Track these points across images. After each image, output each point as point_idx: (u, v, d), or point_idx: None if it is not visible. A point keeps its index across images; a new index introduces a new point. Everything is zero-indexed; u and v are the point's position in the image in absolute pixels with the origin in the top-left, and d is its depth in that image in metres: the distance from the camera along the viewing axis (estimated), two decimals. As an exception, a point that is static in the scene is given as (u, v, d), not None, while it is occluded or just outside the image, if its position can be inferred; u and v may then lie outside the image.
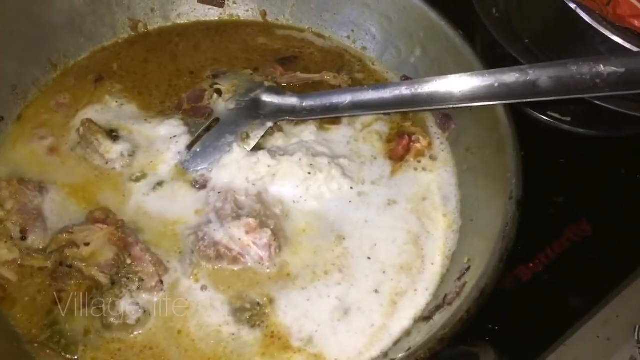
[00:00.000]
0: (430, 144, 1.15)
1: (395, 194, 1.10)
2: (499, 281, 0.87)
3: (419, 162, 1.14)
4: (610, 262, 1.20)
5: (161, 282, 0.95)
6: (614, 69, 0.98)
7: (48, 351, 0.88)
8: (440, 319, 0.88)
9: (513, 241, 0.90)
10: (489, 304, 0.86)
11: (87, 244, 0.94)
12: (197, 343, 0.93)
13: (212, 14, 1.35)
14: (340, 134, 1.16)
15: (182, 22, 1.34)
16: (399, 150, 1.14)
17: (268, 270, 1.00)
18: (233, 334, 0.94)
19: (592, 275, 1.18)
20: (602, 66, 0.98)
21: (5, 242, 0.97)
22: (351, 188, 1.09)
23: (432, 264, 1.02)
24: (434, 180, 1.12)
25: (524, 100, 1.04)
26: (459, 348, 0.83)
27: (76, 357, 0.90)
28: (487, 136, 1.07)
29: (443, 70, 1.14)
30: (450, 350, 0.80)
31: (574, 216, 1.24)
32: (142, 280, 0.94)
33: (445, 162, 1.14)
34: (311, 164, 1.07)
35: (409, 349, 0.84)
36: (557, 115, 1.36)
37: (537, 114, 1.36)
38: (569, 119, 1.36)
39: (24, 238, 0.97)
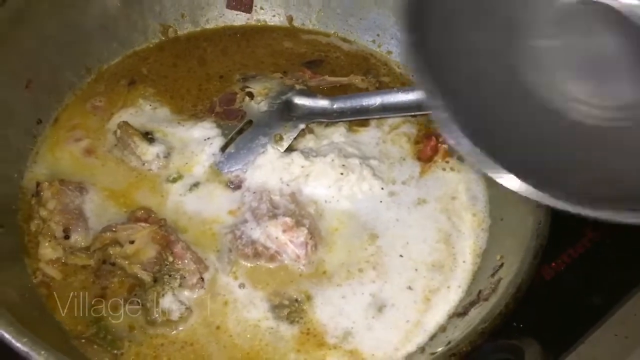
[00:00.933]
0: None
1: (424, 194, 1.12)
2: (534, 277, 0.89)
3: (447, 162, 1.16)
4: (629, 262, 1.22)
5: (202, 279, 0.98)
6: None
7: (95, 347, 0.90)
8: (476, 314, 0.90)
9: (547, 238, 0.92)
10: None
11: (132, 242, 0.96)
12: (234, 338, 0.96)
13: (240, 19, 1.38)
14: (369, 136, 1.19)
15: (210, 27, 1.37)
16: (427, 151, 1.16)
17: (304, 268, 1.02)
18: (271, 328, 0.96)
19: (612, 274, 1.20)
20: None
21: (49, 241, 0.99)
22: (382, 188, 1.11)
23: (464, 261, 1.05)
24: (462, 180, 1.14)
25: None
26: (500, 341, 0.85)
27: (122, 352, 0.92)
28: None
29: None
30: (492, 344, 0.83)
31: (595, 217, 1.26)
32: (184, 277, 0.97)
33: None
34: (343, 165, 1.10)
35: (449, 342, 0.86)
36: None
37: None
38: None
39: (67, 237, 0.99)
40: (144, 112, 1.20)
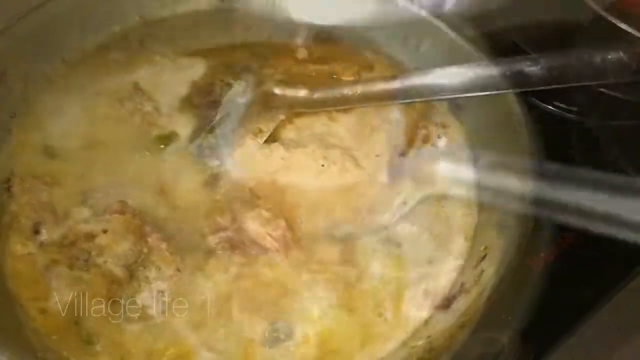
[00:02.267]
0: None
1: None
2: (520, 268, 0.87)
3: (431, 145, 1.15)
4: (622, 252, 1.20)
5: (178, 270, 0.95)
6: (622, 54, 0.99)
7: (70, 343, 0.88)
8: (458, 307, 0.89)
9: (530, 229, 0.90)
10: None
11: (105, 231, 0.94)
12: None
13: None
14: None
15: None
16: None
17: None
18: None
19: (604, 265, 1.18)
20: (613, 53, 0.99)
21: (19, 236, 0.96)
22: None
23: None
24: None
25: (534, 89, 1.04)
26: (480, 334, 0.83)
27: (98, 347, 0.89)
28: (499, 125, 1.08)
29: (453, 61, 1.14)
30: (471, 337, 0.81)
31: (585, 206, 1.24)
32: (159, 269, 0.94)
33: (459, 150, 1.15)
34: (324, 156, 1.08)
35: (429, 336, 0.84)
36: (563, 105, 1.36)
37: (544, 104, 1.36)
38: (575, 108, 1.36)
39: (37, 232, 0.96)
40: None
